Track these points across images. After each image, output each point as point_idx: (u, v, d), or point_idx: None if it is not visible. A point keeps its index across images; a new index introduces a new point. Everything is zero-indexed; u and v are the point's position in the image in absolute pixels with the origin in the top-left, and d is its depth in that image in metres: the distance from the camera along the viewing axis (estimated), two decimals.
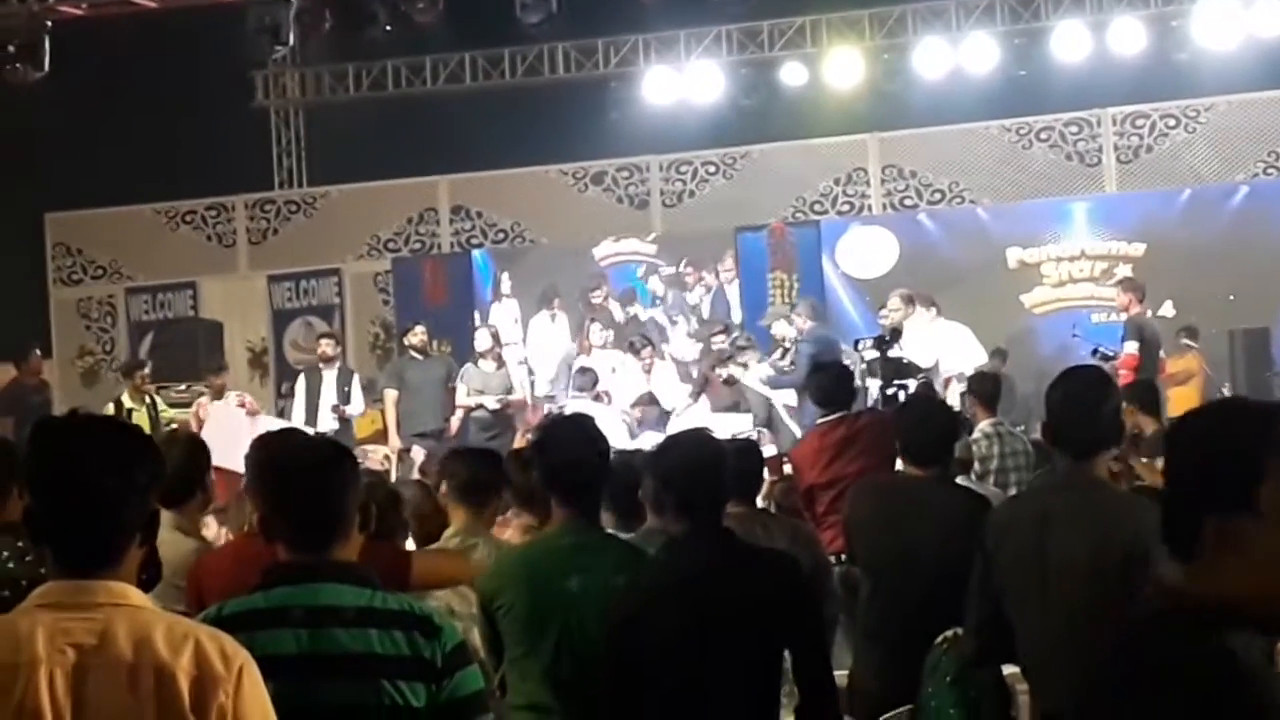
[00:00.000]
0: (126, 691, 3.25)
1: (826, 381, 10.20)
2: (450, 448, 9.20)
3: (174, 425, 15.20)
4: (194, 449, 6.65)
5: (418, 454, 16.60)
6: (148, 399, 16.79)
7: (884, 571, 7.04)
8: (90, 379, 21.81)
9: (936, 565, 6.86)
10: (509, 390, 17.87)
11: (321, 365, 17.67)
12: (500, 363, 18.15)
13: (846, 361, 10.79)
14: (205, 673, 3.29)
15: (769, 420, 16.36)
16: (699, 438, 6.08)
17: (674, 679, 5.36)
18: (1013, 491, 10.96)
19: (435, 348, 19.17)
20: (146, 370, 17.23)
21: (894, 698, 6.58)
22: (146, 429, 14.32)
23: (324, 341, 18.08)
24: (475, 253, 21.24)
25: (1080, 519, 5.43)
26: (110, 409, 16.70)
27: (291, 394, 18.70)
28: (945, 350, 16.28)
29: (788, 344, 17.75)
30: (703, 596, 5.36)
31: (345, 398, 17.33)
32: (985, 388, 12.10)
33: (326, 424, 16.74)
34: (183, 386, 17.52)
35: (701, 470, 5.54)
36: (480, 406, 17.50)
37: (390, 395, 17.49)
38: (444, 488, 6.95)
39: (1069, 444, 5.70)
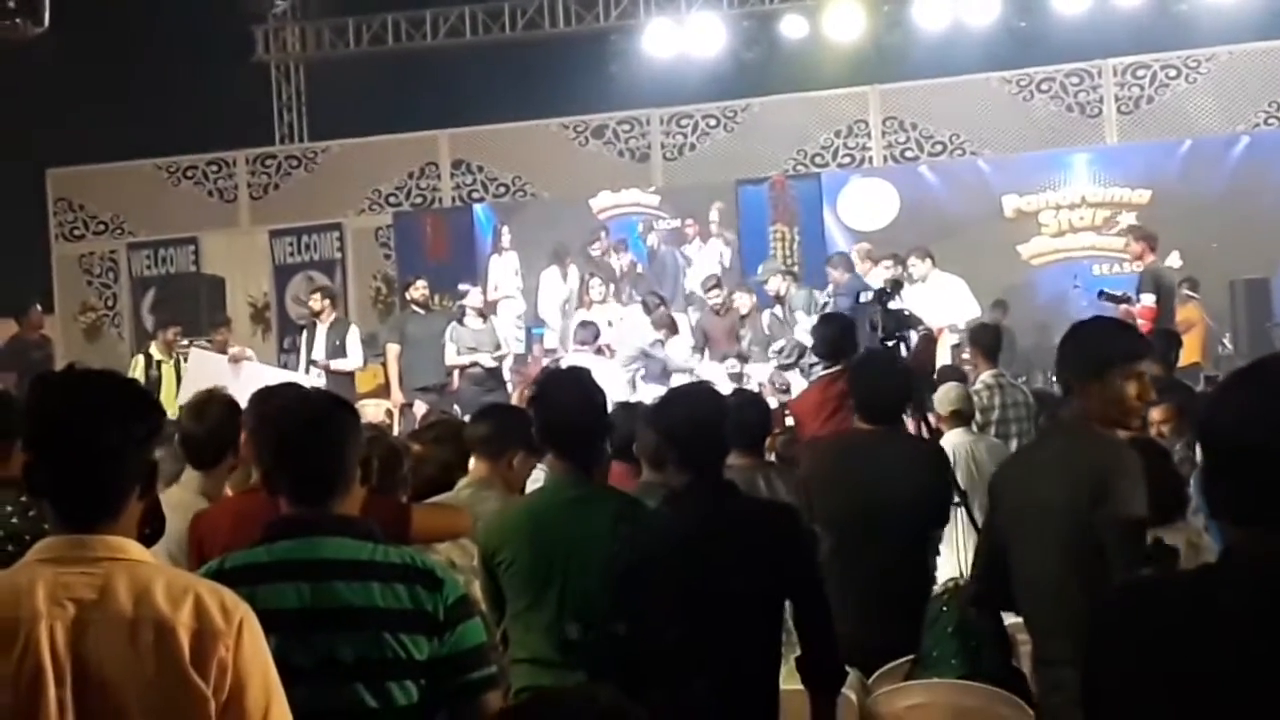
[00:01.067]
0: (126, 645, 3.27)
1: (829, 333, 10.21)
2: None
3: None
4: (230, 411, 6.59)
5: (419, 408, 16.60)
6: (176, 355, 16.83)
7: (846, 528, 7.06)
8: (93, 334, 21.83)
9: (897, 518, 6.92)
10: (497, 345, 17.88)
11: (315, 320, 17.67)
12: (485, 318, 18.14)
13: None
14: (205, 626, 3.30)
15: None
16: (700, 391, 6.11)
17: (677, 630, 5.40)
18: (1014, 443, 11.02)
19: (437, 302, 19.18)
20: (179, 327, 17.25)
21: (872, 650, 6.60)
22: (173, 384, 14.45)
23: (314, 297, 18.01)
24: (477, 206, 21.22)
25: (1057, 464, 5.46)
26: (140, 361, 16.82)
27: (295, 349, 18.72)
28: (939, 303, 16.31)
29: (781, 295, 17.87)
30: (704, 548, 5.39)
31: (339, 352, 17.26)
32: (986, 339, 12.12)
33: (316, 378, 16.72)
34: (185, 342, 17.52)
35: (703, 424, 5.57)
36: (475, 364, 17.54)
37: (392, 350, 17.51)
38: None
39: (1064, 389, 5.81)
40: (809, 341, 16.57)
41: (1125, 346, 5.49)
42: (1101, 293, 16.20)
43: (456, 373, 17.47)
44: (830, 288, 17.05)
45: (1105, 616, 2.98)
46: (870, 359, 8.46)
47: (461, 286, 19.08)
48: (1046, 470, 5.43)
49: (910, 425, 10.60)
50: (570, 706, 3.22)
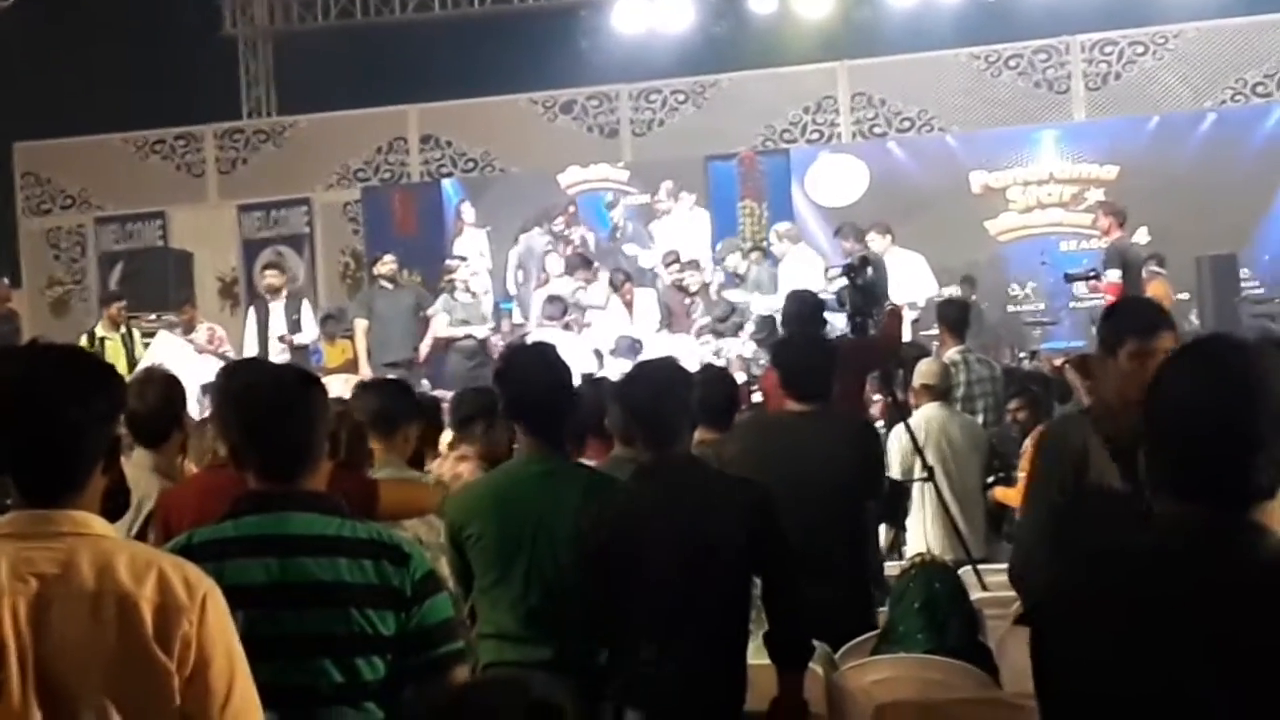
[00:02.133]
0: (89, 620, 3.26)
1: (796, 309, 10.22)
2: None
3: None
4: (170, 388, 6.61)
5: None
6: (123, 329, 16.75)
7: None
8: (60, 309, 21.75)
9: (822, 494, 6.93)
10: (484, 319, 17.97)
11: (268, 296, 17.66)
12: (473, 294, 18.25)
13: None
14: (168, 601, 3.29)
15: None
16: (665, 366, 6.12)
17: (646, 605, 5.42)
18: (980, 418, 11.06)
19: (405, 277, 19.17)
20: (123, 302, 17.16)
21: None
22: (121, 359, 14.39)
23: (268, 273, 18.07)
24: (445, 182, 21.19)
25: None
26: (84, 340, 16.71)
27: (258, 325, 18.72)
28: (897, 280, 16.36)
29: (740, 273, 17.98)
30: (672, 524, 5.41)
31: (295, 326, 17.32)
32: (952, 315, 12.15)
33: (276, 355, 16.74)
34: (153, 317, 17.47)
35: (669, 399, 5.58)
36: (469, 336, 17.60)
37: (360, 325, 17.53)
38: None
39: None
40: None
41: (1139, 321, 5.47)
42: (1066, 275, 16.29)
43: (424, 347, 17.48)
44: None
45: (1053, 588, 3.05)
46: (792, 338, 8.48)
47: (451, 261, 19.12)
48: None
49: (879, 400, 10.66)
50: (502, 696, 3.26)
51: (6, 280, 18.90)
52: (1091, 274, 15.56)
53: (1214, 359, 2.82)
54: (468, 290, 18.31)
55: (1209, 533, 2.74)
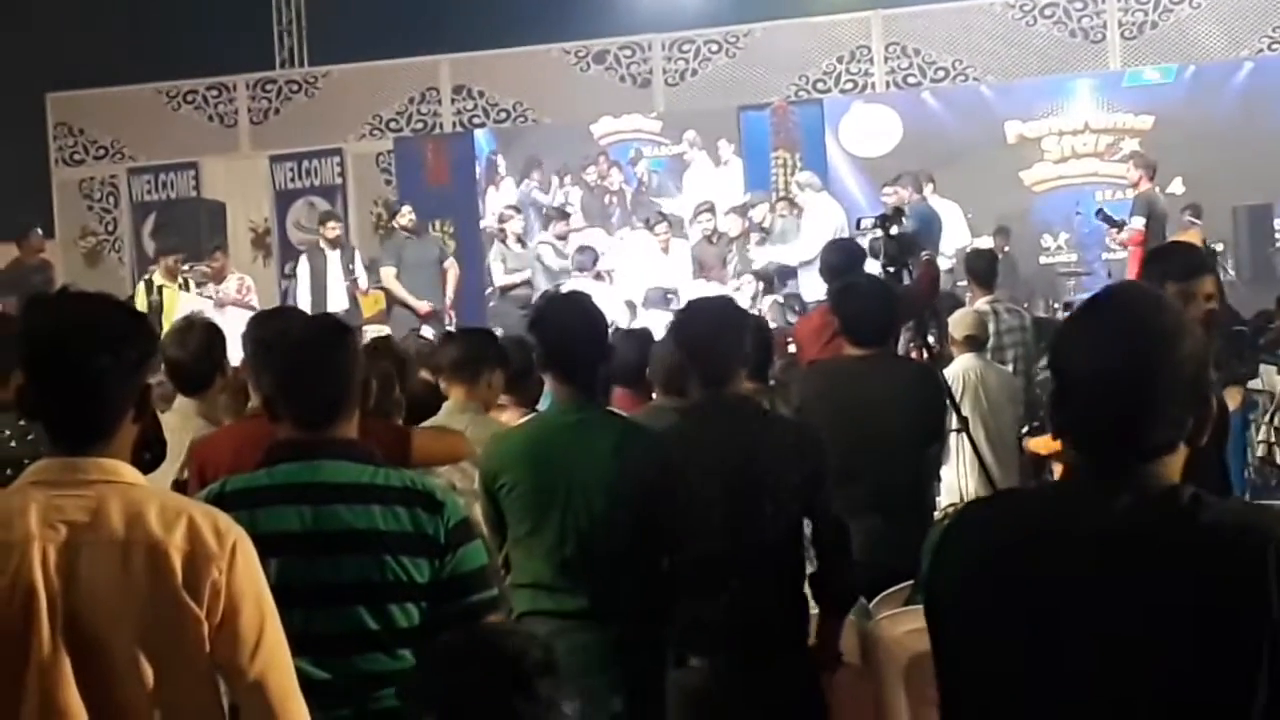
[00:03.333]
0: (119, 568, 3.28)
1: (835, 260, 10.16)
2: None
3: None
4: (211, 336, 6.63)
5: (425, 331, 16.60)
6: (180, 280, 16.84)
7: (844, 453, 7.03)
8: (93, 259, 21.78)
9: (889, 439, 6.92)
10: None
11: (325, 247, 17.67)
12: (523, 243, 18.40)
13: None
14: (198, 549, 3.31)
15: None
16: (722, 304, 6.11)
17: (702, 546, 5.42)
18: (1010, 368, 11.04)
19: (438, 227, 19.17)
20: (180, 254, 17.22)
21: (881, 574, 6.61)
22: (177, 307, 14.45)
23: (330, 223, 18.06)
24: (477, 132, 21.15)
25: None
26: (142, 287, 16.82)
27: (294, 275, 18.73)
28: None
29: (766, 226, 18.02)
30: (725, 463, 5.42)
31: (350, 276, 17.39)
32: (980, 266, 12.12)
33: (338, 304, 16.81)
34: (186, 267, 17.50)
35: (725, 337, 5.58)
36: (526, 283, 17.81)
37: (388, 272, 17.51)
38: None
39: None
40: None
41: (1178, 264, 5.45)
42: (1099, 211, 16.27)
43: (448, 297, 17.52)
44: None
45: (948, 532, 3.09)
46: (853, 284, 8.45)
47: (506, 210, 19.17)
48: None
49: (911, 351, 10.62)
50: (504, 648, 3.28)
51: (39, 231, 18.92)
52: (1120, 222, 15.53)
53: (1117, 315, 2.85)
54: (520, 240, 18.42)
55: (1102, 484, 2.77)
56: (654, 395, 7.16)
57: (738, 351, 5.61)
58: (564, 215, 19.28)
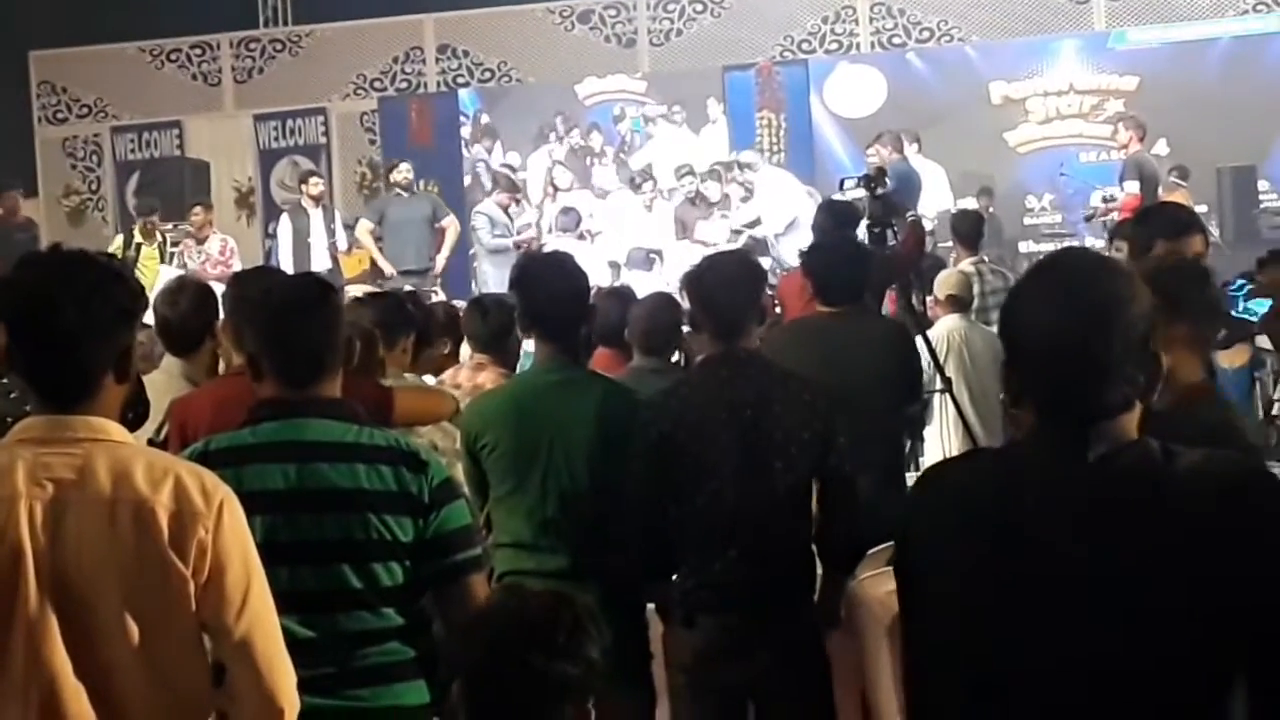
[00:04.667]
0: (105, 526, 3.28)
1: (825, 220, 10.16)
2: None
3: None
4: (202, 297, 6.62)
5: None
6: (159, 238, 16.82)
7: None
8: (76, 218, 21.72)
9: (862, 396, 6.91)
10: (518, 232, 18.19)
11: (308, 205, 17.60)
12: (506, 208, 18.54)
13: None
14: (184, 508, 3.31)
15: None
16: (737, 258, 6.11)
17: (705, 498, 5.44)
18: (994, 328, 11.04)
19: (422, 187, 19.13)
20: (154, 215, 17.18)
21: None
22: (157, 264, 14.47)
23: (313, 181, 17.95)
24: (461, 92, 21.10)
25: None
26: (119, 240, 16.80)
27: (276, 235, 18.69)
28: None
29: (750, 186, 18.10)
30: (739, 420, 5.42)
31: (331, 235, 17.33)
32: (965, 226, 12.13)
33: (320, 263, 16.76)
34: (169, 226, 17.47)
35: (740, 290, 5.58)
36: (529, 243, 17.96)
37: (364, 226, 17.38)
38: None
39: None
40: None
41: (1168, 223, 5.45)
42: (1086, 219, 16.35)
43: (442, 257, 17.49)
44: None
45: (920, 488, 3.14)
46: (821, 243, 8.43)
47: (500, 170, 19.38)
48: None
49: (893, 311, 10.62)
50: (530, 611, 3.31)
51: (21, 191, 18.83)
52: (1109, 201, 15.54)
53: (1069, 278, 2.87)
54: (517, 202, 18.44)
55: (1069, 440, 2.80)
56: (633, 356, 7.17)
57: (752, 306, 5.61)
58: (512, 186, 19.25)
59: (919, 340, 9.62)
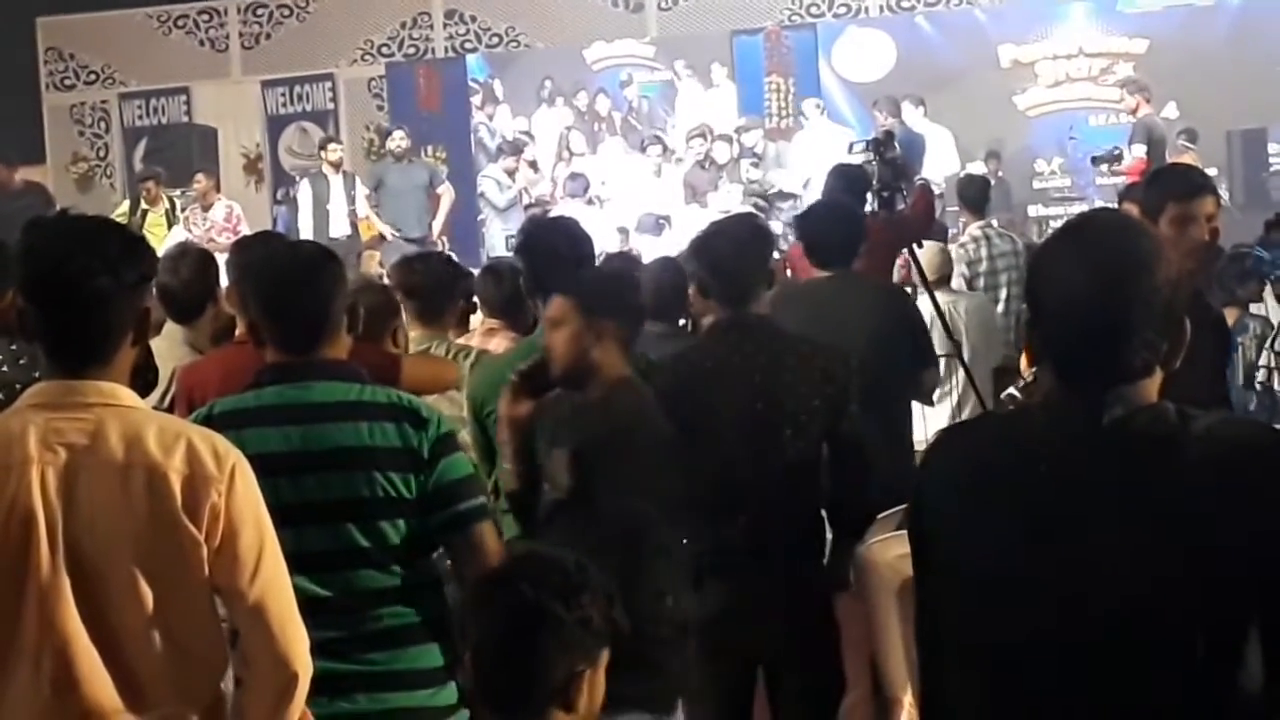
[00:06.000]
0: (118, 490, 3.29)
1: (835, 182, 10.13)
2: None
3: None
4: (204, 263, 6.64)
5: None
6: (165, 204, 16.82)
7: None
8: (85, 185, 21.71)
9: (862, 357, 6.88)
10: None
11: (328, 171, 17.55)
12: (537, 171, 18.59)
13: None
14: (197, 472, 3.32)
15: None
16: (746, 222, 6.09)
17: (716, 461, 5.44)
18: (1003, 292, 11.03)
19: (430, 153, 19.11)
20: (151, 181, 17.16)
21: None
22: (164, 229, 14.50)
23: (332, 147, 17.89)
24: (469, 57, 21.07)
25: None
26: (125, 206, 16.80)
27: (290, 200, 18.66)
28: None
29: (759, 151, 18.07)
30: (749, 386, 5.42)
31: (351, 201, 17.30)
32: (971, 191, 12.12)
33: (340, 229, 16.77)
34: (177, 192, 17.46)
35: (749, 255, 5.57)
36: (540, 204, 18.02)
37: (360, 192, 17.39)
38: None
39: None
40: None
41: (1179, 184, 5.44)
42: (1092, 159, 16.23)
43: (438, 224, 17.50)
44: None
45: (934, 451, 3.14)
46: (813, 207, 8.39)
47: (520, 137, 19.67)
48: None
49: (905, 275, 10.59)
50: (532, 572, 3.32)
51: (5, 163, 18.49)
52: (1116, 152, 15.49)
53: (1094, 239, 2.88)
54: (533, 167, 18.41)
55: (1086, 402, 2.81)
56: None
57: (761, 270, 5.60)
58: (516, 150, 19.22)
59: (929, 304, 9.63)
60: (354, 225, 17.19)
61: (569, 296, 5.01)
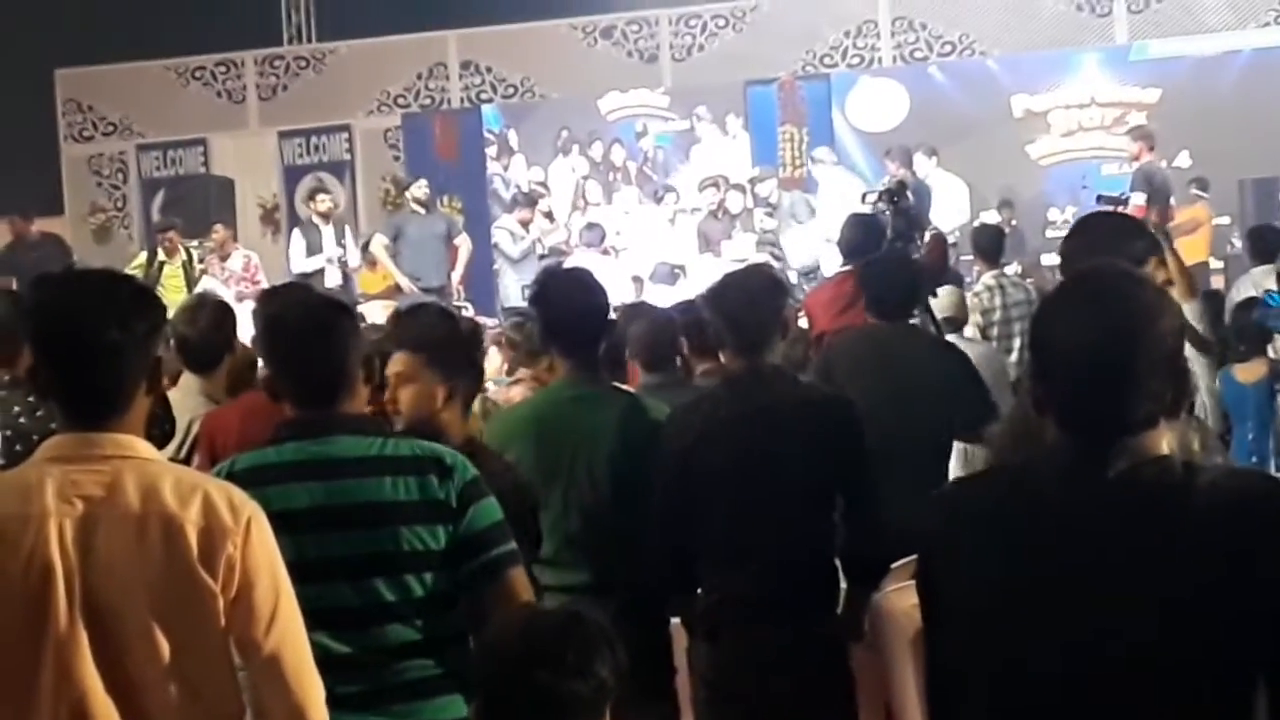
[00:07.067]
0: (135, 542, 3.30)
1: (850, 233, 10.16)
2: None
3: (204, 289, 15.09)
4: (221, 314, 6.68)
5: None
6: (182, 255, 16.87)
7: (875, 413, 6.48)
8: (102, 236, 21.78)
9: (925, 406, 6.90)
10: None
11: (318, 221, 17.61)
12: (553, 221, 18.63)
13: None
14: (213, 524, 3.33)
15: None
16: (759, 272, 6.11)
17: (728, 512, 5.46)
18: (1016, 341, 11.03)
19: (445, 203, 19.17)
20: (170, 232, 17.21)
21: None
22: (181, 280, 14.54)
23: (320, 197, 17.93)
24: (485, 107, 21.16)
25: None
26: (142, 258, 16.86)
27: (317, 250, 18.74)
28: (940, 203, 16.36)
29: (773, 201, 18.12)
30: (763, 432, 5.43)
31: (343, 252, 17.36)
32: (984, 240, 12.14)
33: (333, 279, 16.80)
34: (195, 243, 17.51)
35: (762, 305, 5.58)
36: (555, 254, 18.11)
37: (380, 241, 17.31)
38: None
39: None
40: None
41: (1128, 248, 5.44)
42: (1099, 196, 16.21)
43: (457, 275, 17.51)
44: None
45: (942, 504, 3.14)
46: (881, 257, 8.44)
47: (537, 188, 19.83)
48: None
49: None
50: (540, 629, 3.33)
51: (19, 215, 18.53)
52: (1123, 197, 15.50)
53: (1097, 292, 2.89)
54: (549, 217, 18.46)
55: (1092, 455, 2.82)
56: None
57: (774, 321, 5.62)
58: (531, 201, 19.31)
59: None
60: (345, 275, 17.19)
61: (417, 352, 4.93)
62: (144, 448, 3.42)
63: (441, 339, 5.03)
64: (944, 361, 7.40)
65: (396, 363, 4.90)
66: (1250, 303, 9.88)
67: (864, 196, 10.98)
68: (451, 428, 4.89)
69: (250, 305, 13.35)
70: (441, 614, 4.15)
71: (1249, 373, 9.03)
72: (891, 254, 8.67)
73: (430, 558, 4.08)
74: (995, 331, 11.06)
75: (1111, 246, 5.29)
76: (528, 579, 4.30)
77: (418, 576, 4.08)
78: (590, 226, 18.33)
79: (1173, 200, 15.75)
